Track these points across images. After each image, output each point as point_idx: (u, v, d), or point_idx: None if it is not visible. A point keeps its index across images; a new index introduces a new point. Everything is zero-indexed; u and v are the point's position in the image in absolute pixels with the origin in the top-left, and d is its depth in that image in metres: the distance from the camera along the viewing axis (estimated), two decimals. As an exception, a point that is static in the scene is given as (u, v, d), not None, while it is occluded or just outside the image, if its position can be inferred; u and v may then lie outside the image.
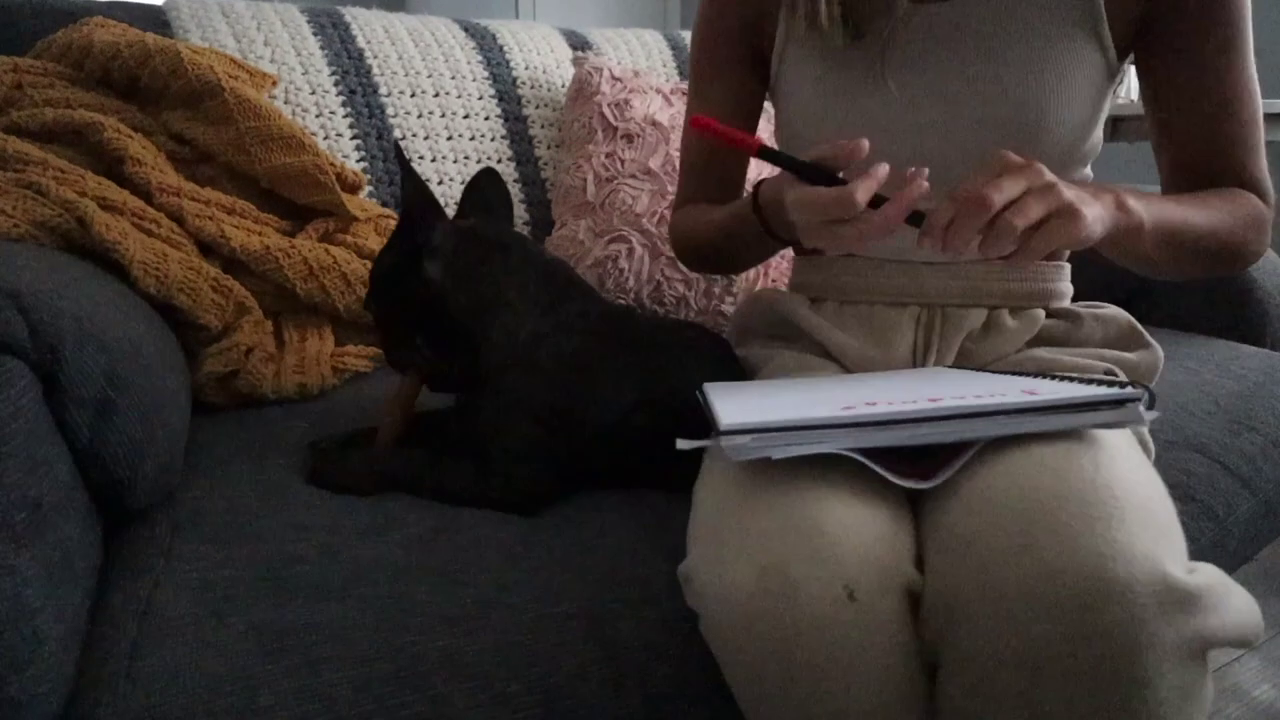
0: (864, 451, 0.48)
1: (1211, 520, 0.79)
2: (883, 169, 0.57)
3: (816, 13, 0.72)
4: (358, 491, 0.71)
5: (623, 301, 1.20)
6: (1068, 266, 0.81)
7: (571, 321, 0.74)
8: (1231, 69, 0.70)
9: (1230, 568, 0.80)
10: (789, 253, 1.25)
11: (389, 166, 1.19)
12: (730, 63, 0.83)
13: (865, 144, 0.57)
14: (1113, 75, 0.73)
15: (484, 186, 0.81)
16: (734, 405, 0.54)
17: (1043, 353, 0.74)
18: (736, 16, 0.81)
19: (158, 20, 1.13)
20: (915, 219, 0.57)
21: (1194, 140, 0.72)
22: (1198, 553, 0.46)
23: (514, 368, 0.72)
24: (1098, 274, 0.84)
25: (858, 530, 0.48)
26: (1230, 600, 0.44)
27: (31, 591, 0.49)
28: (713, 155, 0.86)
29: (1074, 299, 0.81)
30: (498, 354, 0.73)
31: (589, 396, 0.72)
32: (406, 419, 0.78)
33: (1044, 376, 0.59)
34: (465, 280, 0.73)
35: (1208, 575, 0.44)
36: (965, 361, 0.76)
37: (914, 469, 0.50)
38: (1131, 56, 0.74)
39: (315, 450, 0.75)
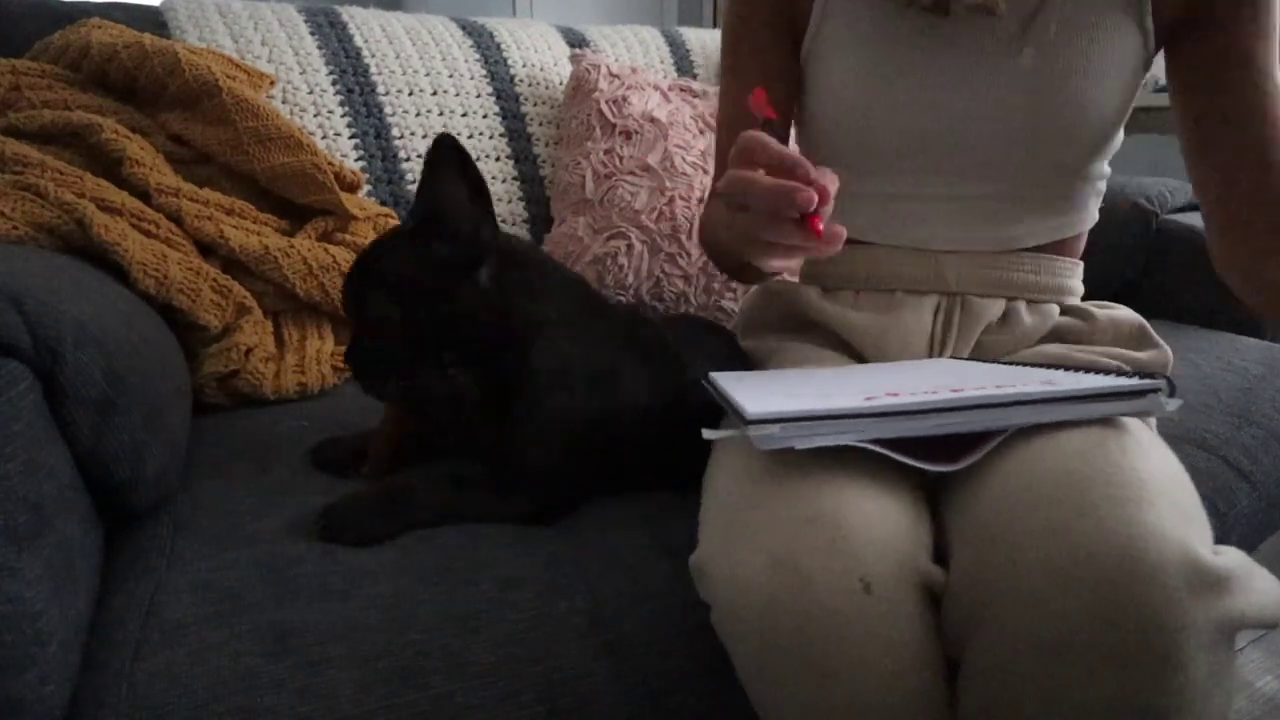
0: (886, 443, 0.48)
1: (1212, 514, 0.77)
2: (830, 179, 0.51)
3: None
4: (376, 542, 0.65)
5: (622, 298, 1.20)
6: (1081, 265, 0.81)
7: (603, 341, 0.72)
8: (1268, 58, 0.67)
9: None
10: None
11: (387, 165, 1.19)
12: (765, 41, 0.79)
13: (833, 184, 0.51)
14: (1147, 65, 0.72)
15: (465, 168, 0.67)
16: (755, 394, 0.54)
17: (1056, 349, 0.74)
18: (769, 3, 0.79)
19: (155, 21, 1.13)
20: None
21: (1247, 126, 0.67)
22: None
23: (555, 391, 0.69)
24: (1092, 269, 0.84)
25: (873, 522, 0.48)
26: (1257, 582, 0.45)
27: (33, 593, 0.49)
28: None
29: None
30: (538, 377, 0.69)
31: (618, 410, 0.70)
32: (401, 431, 0.76)
33: (1060, 369, 0.59)
34: (511, 296, 0.69)
35: (1233, 557, 0.44)
36: (979, 353, 0.76)
37: (933, 456, 0.50)
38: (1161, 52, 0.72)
39: (327, 510, 0.66)
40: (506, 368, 0.69)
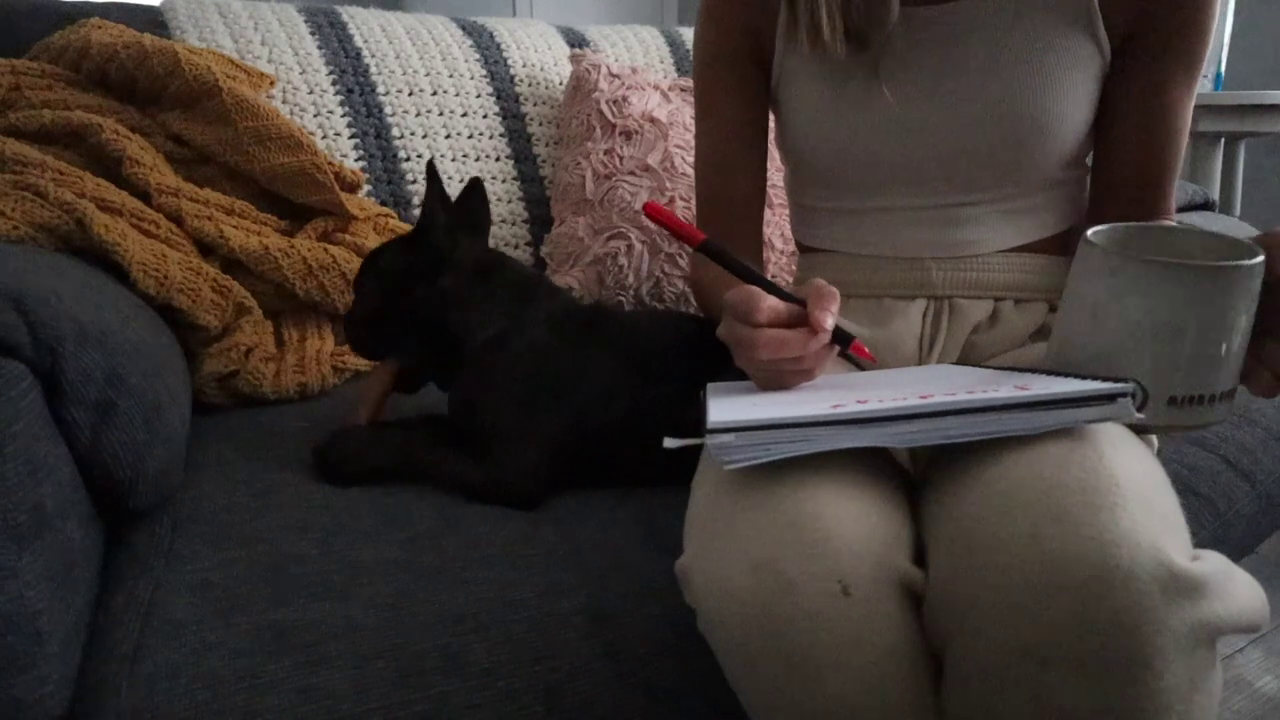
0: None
1: (1213, 514, 0.79)
2: (832, 293, 0.56)
3: (818, 29, 0.72)
4: (366, 479, 0.73)
5: (622, 299, 1.20)
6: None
7: (535, 318, 0.81)
8: (1185, 100, 0.73)
9: (1231, 560, 0.80)
10: (790, 247, 1.25)
11: (387, 165, 1.19)
12: (734, 81, 0.82)
13: (828, 319, 0.55)
14: (1105, 76, 0.73)
15: (473, 201, 0.85)
16: (726, 405, 0.54)
17: (1046, 346, 0.74)
18: (735, 37, 0.81)
19: (155, 21, 1.13)
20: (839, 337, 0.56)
21: (1137, 164, 0.75)
22: (1199, 546, 0.46)
23: (486, 356, 0.79)
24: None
25: (852, 525, 0.48)
26: (1235, 587, 0.45)
27: (33, 593, 0.49)
28: (721, 188, 0.85)
29: None
30: (471, 349, 0.80)
31: (562, 380, 0.76)
32: (380, 406, 0.82)
33: (1039, 373, 0.59)
34: (464, 293, 0.82)
35: (1211, 562, 0.44)
36: (970, 353, 0.77)
37: None
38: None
39: (318, 449, 0.76)
40: (449, 347, 0.81)
